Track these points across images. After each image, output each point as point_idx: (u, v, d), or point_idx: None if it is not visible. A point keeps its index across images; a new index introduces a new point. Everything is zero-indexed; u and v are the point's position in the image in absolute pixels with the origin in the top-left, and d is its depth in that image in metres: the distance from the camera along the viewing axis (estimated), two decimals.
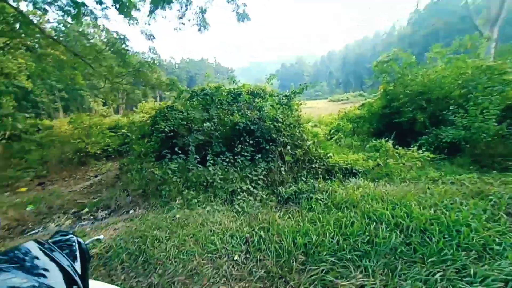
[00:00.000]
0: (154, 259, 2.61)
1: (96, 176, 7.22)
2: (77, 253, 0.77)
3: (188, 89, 8.13)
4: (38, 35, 10.49)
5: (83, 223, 4.06)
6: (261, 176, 4.73)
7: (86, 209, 4.62)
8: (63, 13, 11.86)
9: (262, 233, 2.93)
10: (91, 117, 10.05)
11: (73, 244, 0.80)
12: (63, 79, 17.66)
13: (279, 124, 5.25)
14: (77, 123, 9.05)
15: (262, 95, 6.82)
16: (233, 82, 7.22)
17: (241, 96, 6.58)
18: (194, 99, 7.54)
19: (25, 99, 20.00)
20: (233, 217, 3.61)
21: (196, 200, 4.43)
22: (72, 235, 0.84)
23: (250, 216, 3.54)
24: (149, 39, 11.88)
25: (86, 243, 0.96)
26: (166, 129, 6.54)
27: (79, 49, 9.76)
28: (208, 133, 6.13)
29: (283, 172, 4.68)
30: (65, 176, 7.26)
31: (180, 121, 6.65)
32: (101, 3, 11.52)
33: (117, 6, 10.44)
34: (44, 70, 15.45)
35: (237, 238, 2.91)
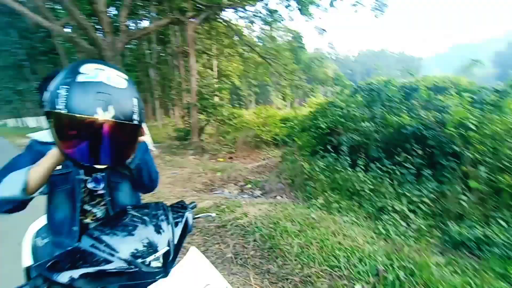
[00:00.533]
0: (278, 249, 2.79)
1: (264, 159, 8.75)
2: (181, 225, 0.90)
3: (352, 83, 7.64)
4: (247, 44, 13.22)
5: (243, 195, 5.11)
6: (426, 199, 3.62)
7: (249, 185, 5.75)
8: (262, 22, 14.89)
9: (402, 273, 2.28)
10: (269, 109, 12.17)
11: (183, 217, 0.93)
12: (257, 77, 22.55)
13: (472, 132, 3.65)
14: (259, 113, 11.31)
15: (451, 90, 5.04)
16: (410, 74, 5.89)
17: (416, 92, 5.25)
18: (357, 95, 6.99)
19: (235, 93, 27.73)
20: (371, 238, 3.08)
21: (337, 205, 4.21)
22: (185, 210, 0.98)
23: (393, 245, 2.86)
24: (320, 33, 12.31)
25: (197, 216, 1.10)
26: (322, 125, 6.60)
27: (264, 50, 11.82)
28: (366, 134, 5.51)
29: (464, 203, 3.29)
30: (245, 155, 9.41)
31: (338, 118, 6.44)
32: (288, 6, 13.20)
33: (300, 7, 11.56)
34: (246, 70, 20.52)
35: (366, 265, 2.46)
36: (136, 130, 0.78)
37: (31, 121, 29.84)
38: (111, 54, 7.66)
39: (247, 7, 13.12)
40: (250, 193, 5.31)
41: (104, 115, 0.67)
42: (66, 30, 9.20)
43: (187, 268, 0.84)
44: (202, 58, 22.22)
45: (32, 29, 16.12)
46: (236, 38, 17.12)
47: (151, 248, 0.75)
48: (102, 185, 1.08)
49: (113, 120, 0.69)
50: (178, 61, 15.59)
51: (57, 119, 0.69)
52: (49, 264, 0.67)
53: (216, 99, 12.56)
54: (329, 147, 5.69)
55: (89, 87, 0.67)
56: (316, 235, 3.06)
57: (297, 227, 3.30)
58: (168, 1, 11.83)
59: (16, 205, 0.87)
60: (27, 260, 1.22)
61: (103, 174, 1.08)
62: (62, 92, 0.66)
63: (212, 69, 23.19)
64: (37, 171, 0.81)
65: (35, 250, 1.24)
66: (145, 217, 0.84)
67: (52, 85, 0.70)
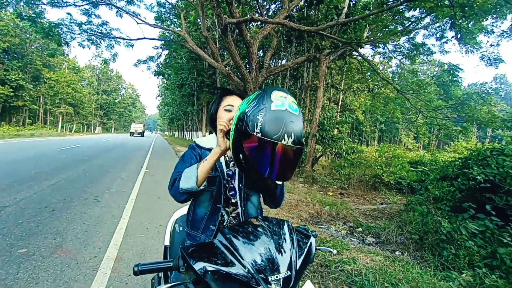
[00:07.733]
0: None
1: (381, 204, 7.50)
2: (305, 252, 0.84)
3: None
4: (379, 79, 12.35)
5: (352, 238, 4.48)
6: None
7: (360, 229, 5.02)
8: (402, 57, 13.61)
9: None
10: (396, 149, 10.50)
11: (307, 243, 0.88)
12: (385, 113, 20.39)
13: None
14: (382, 152, 9.96)
15: None
16: None
17: None
18: None
19: (356, 128, 26.05)
20: None
21: None
22: (311, 236, 0.92)
23: None
24: (491, 65, 9.68)
25: (317, 248, 1.00)
26: (479, 177, 4.94)
27: (400, 86, 10.61)
28: None
29: None
30: (358, 195, 8.40)
31: (511, 170, 4.64)
32: (442, 38, 11.55)
33: (459, 36, 9.89)
34: (374, 106, 19.00)
35: None
36: (302, 152, 0.86)
37: (188, 135, 42.34)
38: (253, 86, 9.17)
39: (390, 42, 12.39)
40: (361, 237, 4.60)
41: (287, 141, 0.78)
42: (226, 69, 11.93)
43: None
44: (328, 92, 22.64)
45: (205, 69, 22.07)
46: (368, 73, 16.32)
47: (272, 266, 0.73)
48: (237, 195, 1.19)
49: (291, 145, 0.79)
50: (306, 94, 16.56)
51: (253, 140, 0.80)
52: (190, 250, 0.75)
53: (336, 132, 12.23)
54: (488, 207, 4.16)
55: (279, 115, 0.78)
56: None
57: None
58: (308, 42, 13.01)
59: (189, 196, 1.08)
60: (167, 240, 1.46)
61: (240, 186, 1.19)
62: (260, 118, 0.79)
63: (337, 103, 23.06)
64: (204, 165, 1.03)
65: (172, 234, 1.44)
66: (272, 232, 0.84)
67: (250, 110, 0.82)
